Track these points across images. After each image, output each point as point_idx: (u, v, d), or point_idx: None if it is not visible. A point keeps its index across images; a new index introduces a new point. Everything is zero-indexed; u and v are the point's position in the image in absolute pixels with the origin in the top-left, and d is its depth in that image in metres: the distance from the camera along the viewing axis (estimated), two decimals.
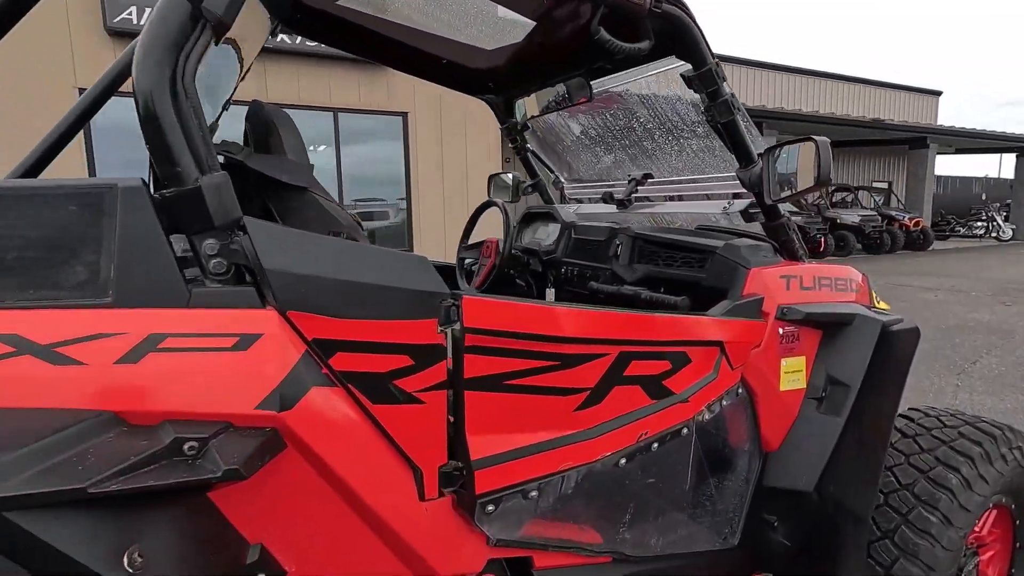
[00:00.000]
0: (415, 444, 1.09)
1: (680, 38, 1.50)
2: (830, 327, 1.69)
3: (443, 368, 1.09)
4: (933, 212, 19.75)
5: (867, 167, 22.36)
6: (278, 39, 8.53)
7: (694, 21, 1.49)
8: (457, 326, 1.11)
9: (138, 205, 0.89)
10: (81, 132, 1.81)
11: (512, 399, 1.19)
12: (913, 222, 16.57)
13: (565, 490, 1.30)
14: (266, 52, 8.53)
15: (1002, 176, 28.55)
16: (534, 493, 1.25)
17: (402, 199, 10.18)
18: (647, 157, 2.34)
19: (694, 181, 2.14)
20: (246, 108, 1.78)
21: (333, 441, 0.99)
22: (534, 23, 1.63)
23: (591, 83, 2.01)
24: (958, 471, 1.66)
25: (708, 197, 2.07)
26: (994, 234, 20.47)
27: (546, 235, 2.56)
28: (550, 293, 2.53)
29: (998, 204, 22.52)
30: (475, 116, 9.79)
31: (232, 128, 1.88)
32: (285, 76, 8.84)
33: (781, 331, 1.61)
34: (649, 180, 2.30)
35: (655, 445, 1.42)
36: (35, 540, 0.75)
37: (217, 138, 1.61)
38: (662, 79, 1.95)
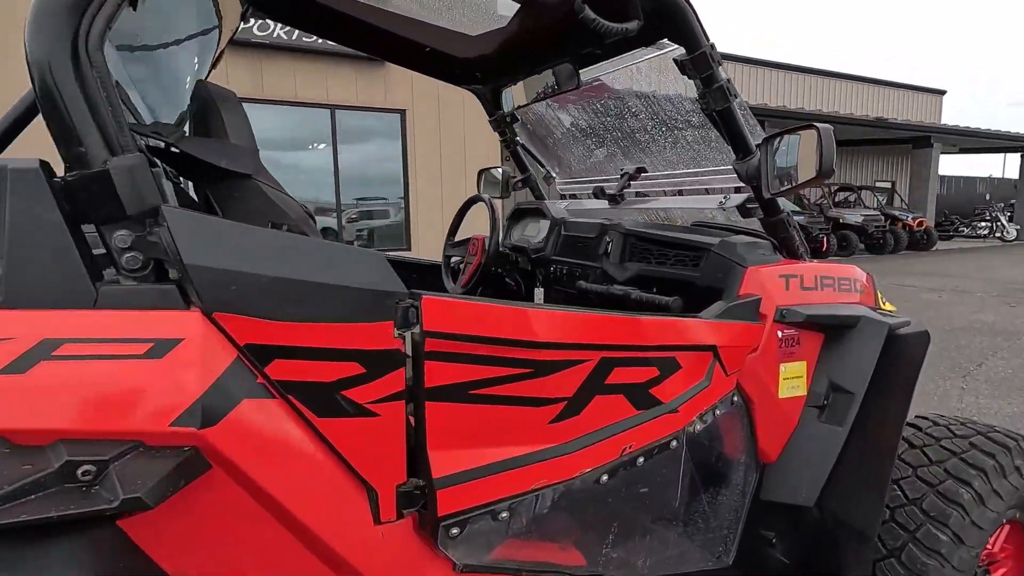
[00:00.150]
0: (368, 462, 0.98)
1: (671, 18, 1.40)
2: (833, 330, 1.60)
3: (400, 376, 0.98)
4: (937, 212, 19.74)
5: (870, 167, 22.34)
6: (274, 35, 8.50)
7: None
8: (417, 329, 1.00)
9: (32, 191, 0.79)
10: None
11: (479, 410, 1.09)
12: (917, 222, 16.50)
13: (540, 510, 1.20)
14: (262, 48, 8.48)
15: (1006, 176, 28.48)
16: (504, 514, 1.15)
17: (401, 197, 10.12)
18: (640, 150, 2.25)
19: (689, 175, 2.05)
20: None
21: (269, 460, 0.88)
22: (519, 4, 1.53)
23: (580, 71, 1.90)
24: (970, 485, 1.57)
25: (705, 192, 1.98)
26: (998, 234, 20.42)
27: (536, 232, 2.45)
28: (539, 293, 2.44)
29: (1002, 204, 22.52)
30: (473, 113, 9.69)
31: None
32: (281, 72, 8.77)
33: (780, 334, 1.51)
34: (643, 174, 2.21)
35: (641, 460, 1.32)
36: None
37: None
38: (654, 65, 1.86)
